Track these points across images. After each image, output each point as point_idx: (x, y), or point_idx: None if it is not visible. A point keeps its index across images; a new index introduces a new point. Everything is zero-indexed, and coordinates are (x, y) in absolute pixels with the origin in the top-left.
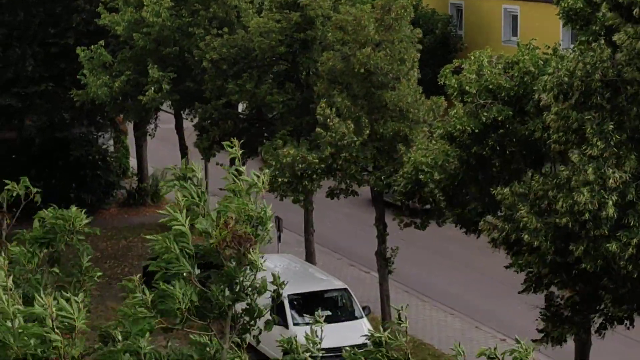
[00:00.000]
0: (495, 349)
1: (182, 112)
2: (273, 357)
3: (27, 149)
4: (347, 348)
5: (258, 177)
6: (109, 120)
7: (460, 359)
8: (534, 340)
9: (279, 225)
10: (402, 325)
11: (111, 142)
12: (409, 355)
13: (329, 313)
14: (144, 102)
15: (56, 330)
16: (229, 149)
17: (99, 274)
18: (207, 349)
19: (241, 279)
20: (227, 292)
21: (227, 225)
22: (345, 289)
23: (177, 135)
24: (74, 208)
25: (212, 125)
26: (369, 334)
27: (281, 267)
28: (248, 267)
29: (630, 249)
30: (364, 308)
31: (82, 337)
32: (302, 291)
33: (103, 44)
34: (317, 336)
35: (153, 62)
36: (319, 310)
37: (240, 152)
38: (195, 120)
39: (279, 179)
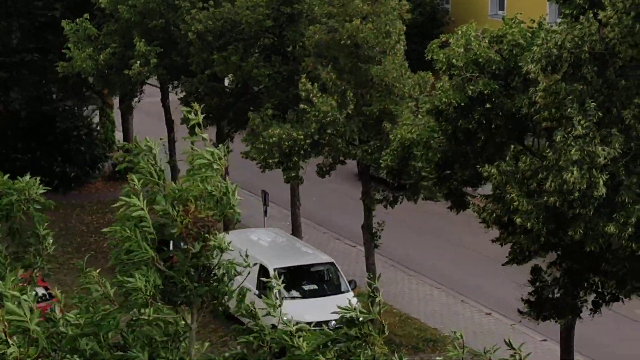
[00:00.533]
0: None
1: (168, 85)
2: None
3: (14, 122)
4: (334, 322)
5: (214, 153)
6: (95, 93)
7: (457, 343)
8: (521, 312)
9: (265, 200)
10: (376, 298)
11: (97, 116)
12: (384, 327)
13: (315, 287)
14: (130, 75)
15: (10, 340)
16: (188, 115)
17: (51, 240)
18: (172, 327)
19: (206, 262)
20: (193, 273)
21: (187, 211)
22: (332, 263)
23: (163, 109)
24: (27, 177)
25: (198, 100)
26: (341, 314)
27: (267, 241)
28: (213, 250)
29: (630, 229)
30: (350, 282)
31: (39, 333)
32: (289, 265)
33: (88, 17)
34: (279, 303)
35: (139, 35)
36: (305, 284)
37: (228, 127)
38: (182, 94)
39: (270, 161)
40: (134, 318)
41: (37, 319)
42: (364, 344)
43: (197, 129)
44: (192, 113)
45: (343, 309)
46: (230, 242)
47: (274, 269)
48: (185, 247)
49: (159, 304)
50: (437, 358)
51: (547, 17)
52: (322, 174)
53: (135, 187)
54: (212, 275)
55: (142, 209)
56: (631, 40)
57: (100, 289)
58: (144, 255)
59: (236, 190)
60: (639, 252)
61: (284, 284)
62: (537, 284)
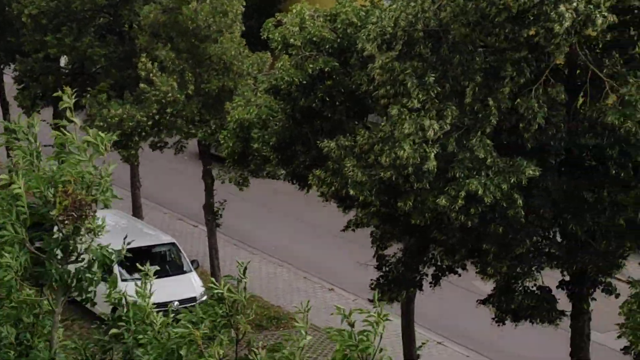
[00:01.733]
0: (350, 312)
1: (2, 66)
2: (99, 313)
3: None
4: (177, 302)
5: (100, 137)
6: None
7: (302, 316)
8: (371, 300)
9: None
10: (242, 280)
11: None
12: (241, 309)
13: (158, 268)
14: None
15: None
16: (65, 99)
17: None
18: (37, 310)
19: (77, 245)
20: (61, 256)
21: (66, 192)
22: (173, 244)
23: None
24: None
25: (32, 80)
26: (209, 289)
27: (108, 223)
28: (86, 233)
29: (460, 201)
30: (192, 262)
31: None
32: (130, 246)
33: None
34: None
35: None
36: (148, 265)
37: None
38: (15, 73)
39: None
40: (1, 297)
41: None
42: (228, 323)
43: (68, 113)
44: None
45: (212, 286)
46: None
47: (115, 250)
48: (58, 229)
49: (25, 284)
50: (282, 333)
51: None
52: (155, 148)
53: (18, 163)
54: (80, 259)
55: (20, 188)
56: (463, 18)
57: None
58: (16, 237)
59: (111, 175)
60: (467, 224)
61: (124, 266)
62: (383, 268)
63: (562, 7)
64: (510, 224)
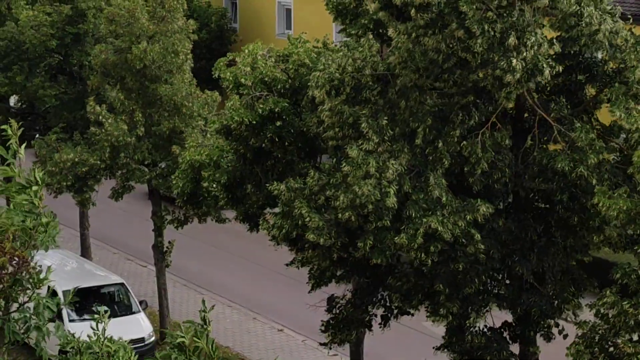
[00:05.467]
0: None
1: None
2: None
3: None
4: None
5: (36, 179)
6: None
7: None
8: (322, 344)
9: None
10: (206, 328)
11: None
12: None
13: (106, 308)
14: None
15: None
16: (9, 131)
17: None
18: None
19: (18, 297)
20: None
21: (3, 250)
22: (122, 284)
23: None
24: None
25: None
26: (170, 336)
27: (56, 264)
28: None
29: (419, 238)
30: (141, 302)
31: None
32: (78, 287)
33: None
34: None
35: None
36: (96, 306)
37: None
38: None
39: (63, 183)
40: None
41: None
42: None
43: (15, 146)
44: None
45: (173, 334)
46: (47, 277)
47: (63, 292)
48: None
49: None
50: None
51: (335, 37)
52: (116, 198)
53: None
54: (21, 309)
55: None
56: (412, 64)
57: None
58: None
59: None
60: (427, 263)
61: (73, 306)
62: (334, 310)
63: (514, 61)
64: (469, 262)
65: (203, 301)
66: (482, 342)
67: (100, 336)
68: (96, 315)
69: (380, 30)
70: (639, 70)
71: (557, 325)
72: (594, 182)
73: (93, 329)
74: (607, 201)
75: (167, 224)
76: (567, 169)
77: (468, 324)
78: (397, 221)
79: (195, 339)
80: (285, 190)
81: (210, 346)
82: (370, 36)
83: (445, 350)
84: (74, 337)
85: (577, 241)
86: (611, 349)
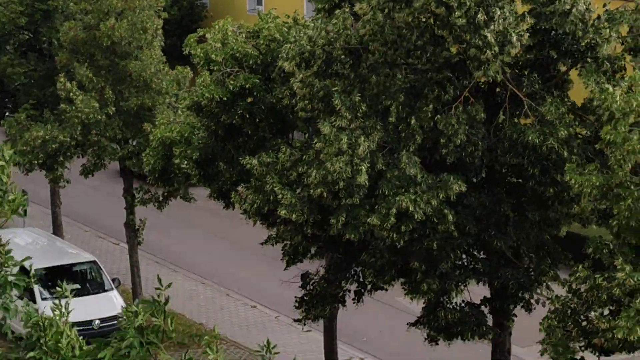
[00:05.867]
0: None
1: None
2: (18, 333)
3: None
4: (98, 321)
5: (4, 156)
6: None
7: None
8: (296, 320)
9: None
10: (162, 305)
11: None
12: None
13: (78, 286)
14: None
15: None
16: None
17: None
18: None
19: None
20: None
21: None
22: (94, 262)
23: None
24: None
25: None
26: (126, 316)
27: (27, 242)
28: None
29: (392, 219)
30: (113, 280)
31: None
32: (50, 265)
33: None
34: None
35: None
36: (66, 283)
37: None
38: None
39: (34, 161)
40: None
41: None
42: (147, 353)
43: None
44: None
45: (128, 313)
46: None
47: (34, 270)
48: None
49: None
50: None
51: (305, 12)
52: (86, 174)
53: None
54: None
55: None
56: (381, 38)
57: None
58: None
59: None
60: (399, 242)
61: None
62: (307, 287)
63: (488, 35)
64: (442, 238)
65: (159, 278)
66: (456, 318)
67: (64, 312)
68: (59, 290)
69: (352, 3)
70: (608, 45)
71: (533, 298)
72: (565, 154)
73: (55, 305)
74: (578, 178)
75: (140, 204)
76: (537, 141)
77: (444, 301)
78: (370, 198)
79: (153, 317)
80: (257, 164)
81: (168, 322)
82: (347, 8)
83: (421, 326)
84: (36, 312)
85: (549, 215)
86: (584, 323)
